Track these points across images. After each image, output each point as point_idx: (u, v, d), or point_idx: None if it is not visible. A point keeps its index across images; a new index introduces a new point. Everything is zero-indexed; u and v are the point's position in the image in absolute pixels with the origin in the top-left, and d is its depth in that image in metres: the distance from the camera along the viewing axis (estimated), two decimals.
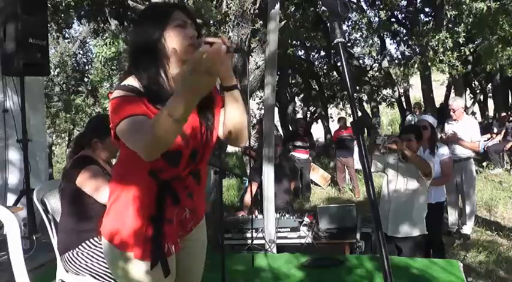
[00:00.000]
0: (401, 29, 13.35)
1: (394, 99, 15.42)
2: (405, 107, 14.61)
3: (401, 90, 14.93)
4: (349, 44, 14.05)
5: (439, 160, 4.11)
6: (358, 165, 8.13)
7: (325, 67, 15.37)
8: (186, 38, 1.50)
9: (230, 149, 10.69)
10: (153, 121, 1.30)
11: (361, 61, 15.04)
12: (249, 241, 4.23)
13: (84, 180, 2.39)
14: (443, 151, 4.20)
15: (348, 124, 8.40)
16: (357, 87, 13.29)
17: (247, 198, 5.37)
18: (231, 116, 1.58)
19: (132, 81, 1.48)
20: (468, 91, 15.98)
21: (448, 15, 9.25)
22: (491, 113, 16.43)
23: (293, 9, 9.85)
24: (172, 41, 1.50)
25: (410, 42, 12.65)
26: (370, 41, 14.57)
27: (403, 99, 15.03)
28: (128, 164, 1.53)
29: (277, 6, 4.06)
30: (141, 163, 1.44)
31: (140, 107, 1.42)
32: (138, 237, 1.51)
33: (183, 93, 1.22)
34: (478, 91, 17.45)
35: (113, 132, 1.46)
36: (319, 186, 9.30)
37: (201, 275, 1.80)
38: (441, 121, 6.75)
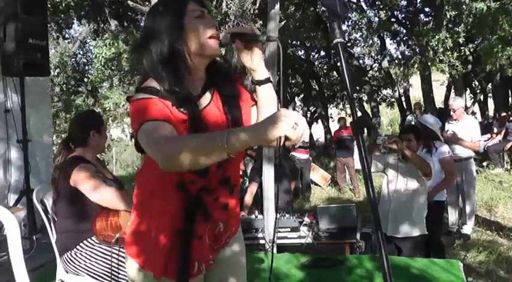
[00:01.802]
0: (401, 29, 13.37)
1: (394, 99, 15.44)
2: (405, 107, 14.62)
3: (401, 90, 14.94)
4: (349, 44, 14.07)
5: (437, 159, 4.07)
6: (358, 165, 8.11)
7: (325, 67, 15.40)
8: (206, 30, 1.37)
9: None
10: (201, 138, 1.21)
11: (361, 61, 15.05)
12: (249, 241, 4.23)
13: (78, 178, 2.39)
14: (444, 149, 4.18)
15: (348, 124, 8.39)
16: (357, 87, 13.32)
17: (248, 199, 5.37)
18: (265, 113, 1.40)
19: (151, 83, 1.35)
20: (468, 91, 15.99)
21: (448, 15, 9.25)
22: (491, 112, 16.44)
23: (293, 9, 9.86)
24: (192, 34, 1.36)
25: (410, 42, 12.68)
26: (370, 41, 14.61)
27: (403, 99, 15.05)
28: (154, 176, 1.39)
29: (277, 6, 4.06)
30: (169, 175, 1.35)
31: (164, 111, 1.30)
32: (161, 255, 1.39)
33: (251, 140, 1.13)
34: (478, 91, 17.46)
35: (135, 137, 1.32)
36: (319, 186, 9.30)
37: None
38: (442, 121, 6.75)
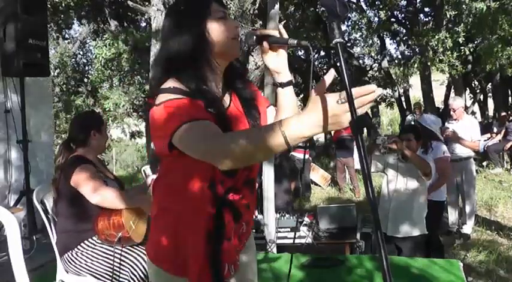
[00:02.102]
0: (401, 29, 13.37)
1: (393, 99, 15.44)
2: (405, 107, 14.63)
3: (401, 90, 14.94)
4: (349, 44, 14.07)
5: (432, 158, 3.99)
6: (358, 165, 8.11)
7: (325, 67, 15.38)
8: (230, 31, 1.37)
9: None
10: (259, 133, 1.14)
11: (360, 61, 15.05)
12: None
13: (79, 179, 2.39)
14: (441, 149, 4.11)
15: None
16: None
17: None
18: (286, 116, 1.37)
19: (174, 84, 1.30)
20: (468, 91, 15.99)
21: (448, 15, 9.25)
22: (491, 112, 16.44)
23: (293, 9, 9.86)
24: (215, 34, 1.34)
25: (410, 42, 12.68)
26: (370, 41, 14.61)
27: (402, 99, 15.05)
28: (183, 178, 1.34)
29: (277, 6, 4.06)
30: (202, 176, 1.32)
31: (201, 110, 1.26)
32: (194, 260, 1.34)
33: (315, 128, 1.05)
34: (477, 91, 17.46)
35: (167, 141, 1.24)
36: (319, 186, 9.30)
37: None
38: (442, 121, 6.75)
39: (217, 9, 1.37)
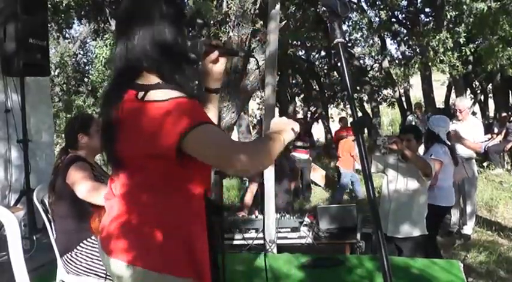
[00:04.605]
0: (402, 29, 13.37)
1: (394, 100, 15.43)
2: (406, 107, 14.62)
3: (402, 91, 14.94)
4: (349, 44, 14.07)
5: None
6: (359, 165, 8.10)
7: (325, 67, 15.39)
8: None
9: None
10: (272, 142, 1.30)
11: (361, 61, 15.04)
12: (249, 241, 4.23)
13: (74, 176, 2.40)
14: (437, 151, 3.91)
15: (349, 124, 8.36)
16: (358, 88, 13.31)
17: (248, 199, 5.36)
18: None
19: (156, 79, 1.31)
20: (469, 91, 15.96)
21: (449, 16, 9.25)
22: (491, 113, 16.42)
23: (294, 9, 9.86)
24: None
25: (410, 43, 12.68)
26: (371, 41, 14.61)
27: (403, 99, 15.04)
28: (191, 193, 1.31)
29: (278, 6, 4.06)
30: (200, 184, 1.32)
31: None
32: (205, 262, 1.32)
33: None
34: (478, 91, 17.42)
35: (175, 140, 1.18)
36: (320, 186, 9.29)
37: None
38: None
39: None
